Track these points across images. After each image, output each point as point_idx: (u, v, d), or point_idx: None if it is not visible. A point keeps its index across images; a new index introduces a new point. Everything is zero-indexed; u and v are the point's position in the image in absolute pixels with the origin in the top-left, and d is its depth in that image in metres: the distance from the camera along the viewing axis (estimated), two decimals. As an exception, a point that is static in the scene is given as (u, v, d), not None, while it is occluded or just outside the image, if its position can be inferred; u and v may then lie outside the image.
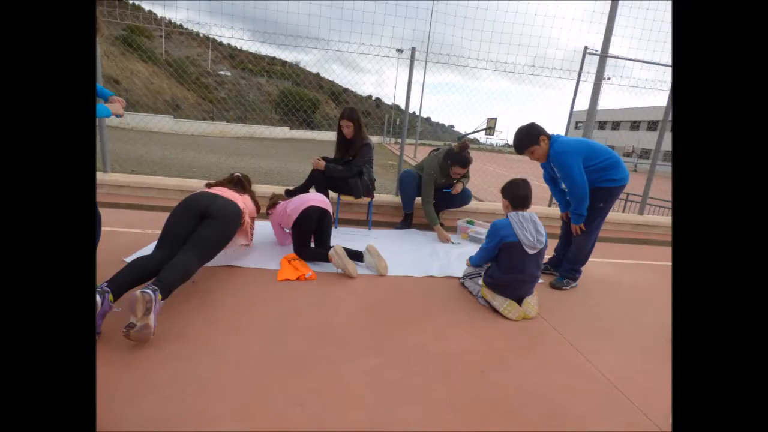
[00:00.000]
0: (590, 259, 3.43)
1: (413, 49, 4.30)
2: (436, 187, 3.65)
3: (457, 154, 3.42)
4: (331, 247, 2.51)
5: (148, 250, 2.48)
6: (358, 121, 3.40)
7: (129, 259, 2.34)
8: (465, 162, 3.42)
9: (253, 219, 2.66)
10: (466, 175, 3.85)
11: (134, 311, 1.53)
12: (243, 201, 2.40)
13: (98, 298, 1.53)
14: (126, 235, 2.76)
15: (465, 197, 3.91)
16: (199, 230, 2.01)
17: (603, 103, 5.16)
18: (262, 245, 2.85)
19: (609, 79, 5.02)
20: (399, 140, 5.05)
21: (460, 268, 2.80)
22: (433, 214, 3.54)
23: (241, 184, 2.63)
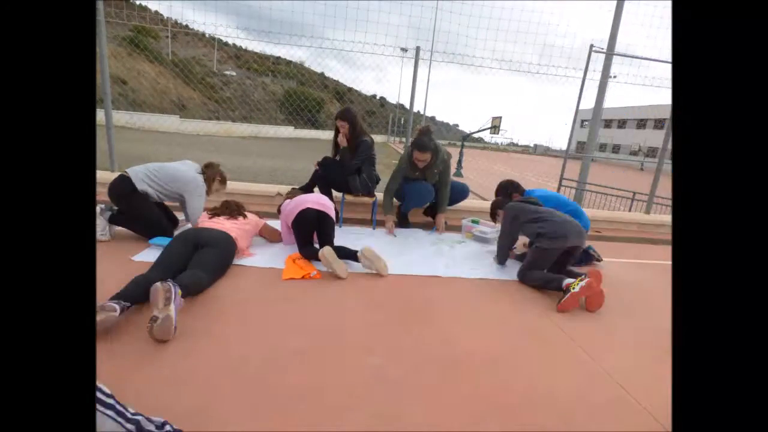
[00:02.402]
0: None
1: (417, 48, 4.29)
2: (412, 179, 3.55)
3: (416, 138, 3.34)
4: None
5: (153, 249, 2.51)
6: (351, 120, 3.40)
7: (137, 258, 2.36)
8: (421, 146, 3.27)
9: (259, 229, 2.82)
10: (447, 169, 3.59)
11: (156, 302, 1.57)
12: (237, 228, 2.53)
13: (117, 306, 1.56)
14: (133, 234, 2.78)
15: (460, 192, 3.82)
16: (198, 254, 2.13)
17: (609, 101, 5.12)
18: (266, 245, 2.87)
19: (615, 77, 4.98)
20: (404, 139, 5.05)
21: (465, 268, 2.79)
22: (389, 204, 3.53)
23: (232, 208, 2.73)
